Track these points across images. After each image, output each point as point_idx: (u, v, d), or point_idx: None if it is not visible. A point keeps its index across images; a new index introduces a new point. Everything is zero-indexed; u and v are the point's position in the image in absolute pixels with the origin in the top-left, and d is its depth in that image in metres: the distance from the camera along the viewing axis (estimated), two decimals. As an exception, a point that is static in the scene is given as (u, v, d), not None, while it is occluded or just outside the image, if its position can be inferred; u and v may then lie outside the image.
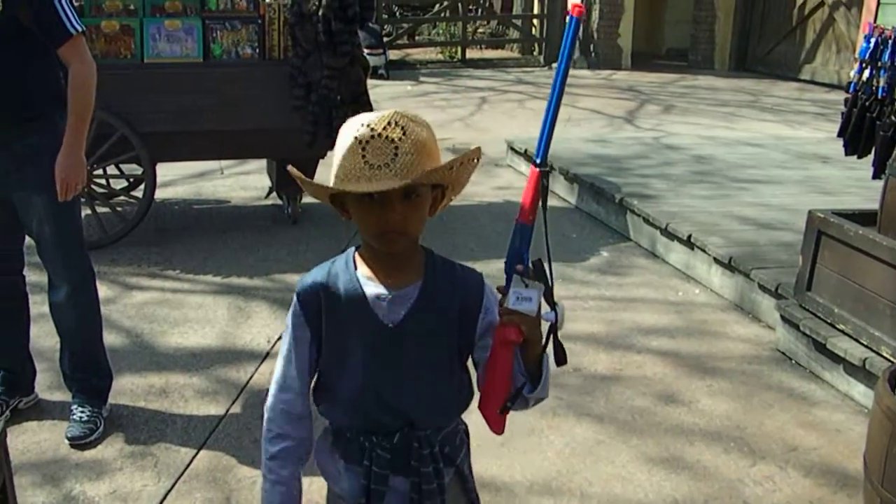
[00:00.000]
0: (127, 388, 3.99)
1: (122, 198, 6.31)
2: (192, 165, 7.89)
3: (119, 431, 3.65)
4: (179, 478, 3.34)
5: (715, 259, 5.43)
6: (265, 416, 1.91)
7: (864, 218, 4.27)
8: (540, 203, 1.74)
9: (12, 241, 3.61)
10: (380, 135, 1.62)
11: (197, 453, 3.50)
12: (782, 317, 4.58)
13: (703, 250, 5.54)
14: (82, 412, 3.62)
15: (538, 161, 1.75)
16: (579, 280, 5.56)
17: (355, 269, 1.82)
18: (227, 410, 3.83)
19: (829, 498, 3.34)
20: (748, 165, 8.16)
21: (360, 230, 1.75)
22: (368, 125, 1.64)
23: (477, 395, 1.86)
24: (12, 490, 2.44)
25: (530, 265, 1.71)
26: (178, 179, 7.70)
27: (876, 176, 4.25)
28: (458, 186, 1.81)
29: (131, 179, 6.51)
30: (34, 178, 3.34)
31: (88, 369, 3.69)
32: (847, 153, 4.62)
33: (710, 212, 6.29)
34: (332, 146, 5.82)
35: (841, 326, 4.20)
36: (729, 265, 5.28)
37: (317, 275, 1.84)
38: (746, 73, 16.28)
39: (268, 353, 4.37)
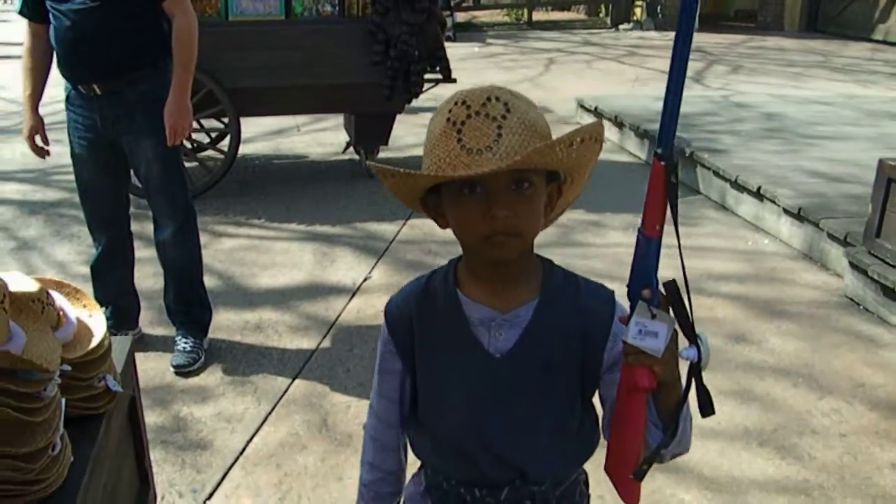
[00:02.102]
0: (224, 325, 4.25)
1: (209, 152, 6.58)
2: (270, 123, 8.18)
3: (219, 362, 3.92)
4: (278, 402, 3.59)
5: (784, 210, 5.53)
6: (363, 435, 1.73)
7: (934, 166, 4.36)
8: (669, 208, 1.30)
9: (120, 196, 3.86)
10: (478, 113, 1.29)
11: (293, 381, 3.75)
12: (851, 263, 4.69)
13: (773, 201, 5.64)
14: (186, 343, 3.88)
15: (661, 151, 1.28)
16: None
17: (455, 285, 1.51)
18: (319, 344, 4.08)
19: (894, 430, 3.47)
20: (818, 122, 8.18)
21: (461, 236, 1.42)
22: (464, 103, 1.31)
23: (603, 443, 1.53)
24: (140, 402, 2.69)
25: (661, 289, 1.32)
26: (256, 137, 7.97)
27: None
28: (579, 179, 1.43)
29: (213, 135, 6.78)
30: (144, 124, 3.58)
31: (191, 303, 3.95)
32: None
33: (779, 165, 6.37)
34: (409, 100, 6.06)
35: (909, 271, 4.30)
36: (798, 215, 5.38)
37: (409, 292, 1.57)
38: (817, 34, 16.11)
39: (354, 293, 4.61)
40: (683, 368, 1.33)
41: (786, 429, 3.45)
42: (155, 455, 3.04)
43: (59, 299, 2.18)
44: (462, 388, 1.50)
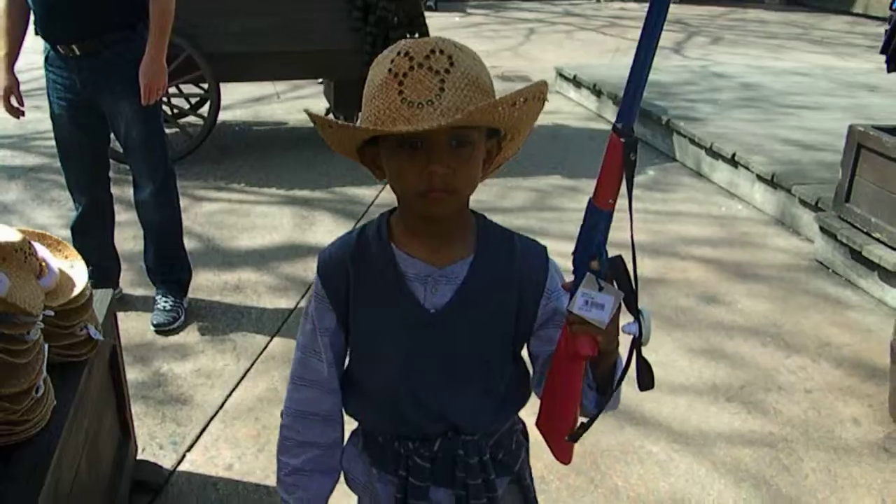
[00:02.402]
0: (203, 285, 4.30)
1: (189, 118, 6.60)
2: (250, 91, 8.18)
3: (199, 321, 3.97)
4: (257, 359, 3.65)
5: (758, 176, 5.62)
6: (282, 422, 1.62)
7: (902, 132, 4.45)
8: (626, 185, 1.27)
9: (100, 157, 3.89)
10: (420, 65, 1.25)
11: (271, 339, 3.81)
12: (821, 227, 4.78)
13: (747, 168, 5.72)
14: (166, 302, 3.93)
15: (621, 126, 1.25)
16: (625, 194, 5.77)
17: (389, 239, 1.47)
18: (297, 304, 4.14)
19: (857, 386, 3.57)
20: (794, 93, 8.27)
21: (397, 190, 1.39)
22: (406, 54, 1.27)
23: (534, 401, 1.56)
24: (121, 354, 2.75)
25: (607, 263, 1.30)
26: (236, 104, 7.98)
27: (916, 91, 4.40)
28: (519, 136, 1.43)
29: (193, 101, 6.79)
30: (122, 85, 3.61)
31: (171, 262, 4.00)
32: (889, 70, 4.77)
33: (754, 133, 6.45)
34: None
35: (877, 235, 4.39)
36: (771, 182, 5.47)
37: (343, 246, 1.51)
38: (798, 7, 16.20)
39: (332, 256, 4.65)
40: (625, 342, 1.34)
41: (753, 385, 3.54)
42: (136, 409, 3.10)
43: (42, 250, 2.24)
44: (396, 343, 1.48)
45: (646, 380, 1.34)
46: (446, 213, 1.38)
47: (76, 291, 2.26)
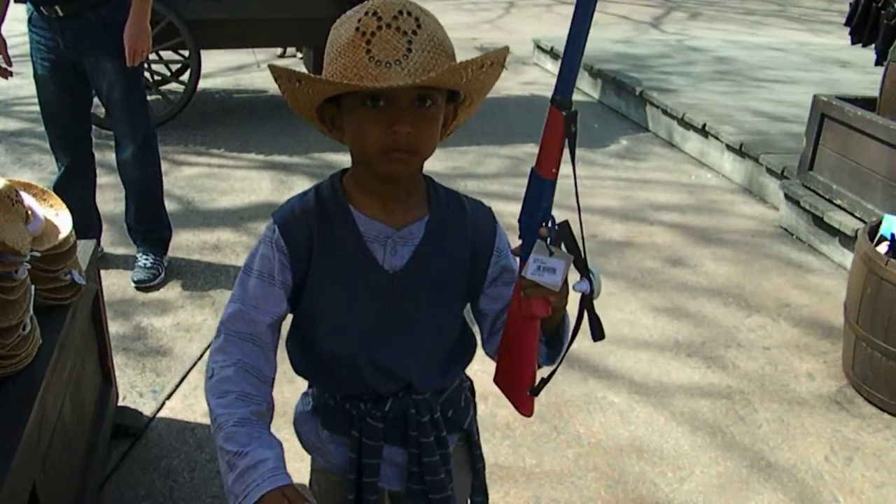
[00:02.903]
0: (183, 245, 4.40)
1: (171, 85, 6.67)
2: (230, 60, 8.23)
3: (179, 278, 4.07)
4: (235, 314, 3.75)
5: (727, 146, 5.76)
6: (208, 370, 1.45)
7: (864, 103, 4.58)
8: (569, 154, 1.32)
9: (82, 117, 3.96)
10: (388, 25, 1.27)
11: (249, 296, 3.91)
12: (785, 195, 4.92)
13: (717, 138, 5.86)
14: (146, 259, 4.03)
15: (560, 99, 1.29)
16: (599, 164, 5.92)
17: (346, 201, 1.46)
18: (275, 263, 4.23)
19: (814, 343, 3.72)
20: (768, 67, 8.41)
21: (357, 149, 1.38)
22: (375, 14, 1.28)
23: (481, 352, 1.61)
24: (103, 302, 2.86)
25: (555, 228, 1.35)
26: (217, 72, 8.04)
27: (878, 62, 4.53)
28: (478, 99, 1.45)
29: (174, 68, 6.86)
30: (105, 46, 3.69)
31: (152, 221, 4.10)
32: (853, 42, 4.90)
33: (725, 105, 6.59)
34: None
35: (838, 202, 4.53)
36: (740, 151, 5.61)
37: (304, 203, 1.47)
38: (775, -17, 16.28)
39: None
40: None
41: (714, 342, 3.68)
42: (117, 360, 3.20)
43: (28, 199, 2.34)
44: (354, 304, 1.46)
45: (598, 332, 1.40)
46: (405, 173, 1.39)
47: (61, 237, 2.36)
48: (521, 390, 1.50)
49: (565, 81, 1.27)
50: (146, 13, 3.69)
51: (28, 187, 2.49)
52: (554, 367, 1.49)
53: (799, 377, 3.46)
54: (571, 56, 1.26)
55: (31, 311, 2.11)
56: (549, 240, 1.34)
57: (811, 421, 3.18)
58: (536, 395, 1.49)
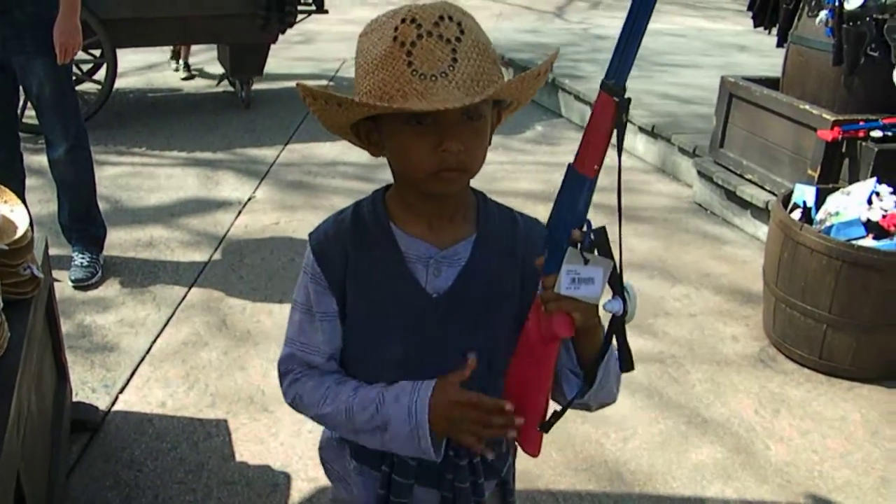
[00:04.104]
0: (116, 243, 4.39)
1: (86, 84, 6.59)
2: (141, 58, 8.16)
3: (116, 276, 4.08)
4: (177, 308, 3.79)
5: (640, 128, 5.99)
6: (295, 404, 1.46)
7: (769, 83, 4.83)
8: (616, 149, 1.18)
9: (12, 118, 3.94)
10: (430, 33, 1.15)
11: (189, 289, 3.96)
12: (698, 172, 5.16)
13: (629, 121, 6.06)
14: (83, 258, 4.03)
15: (613, 84, 1.12)
16: (517, 149, 6.10)
17: (388, 219, 1.36)
18: (211, 256, 4.28)
19: (735, 309, 3.94)
20: (670, 52, 8.71)
21: (403, 170, 1.29)
22: (413, 20, 1.16)
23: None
24: (54, 296, 2.88)
25: (591, 234, 1.19)
26: (128, 71, 7.94)
27: (780, 44, 4.78)
28: (521, 105, 1.36)
29: (85, 69, 6.78)
30: (34, 44, 3.68)
31: (86, 219, 4.09)
32: (755, 25, 5.15)
33: (634, 89, 6.66)
34: (283, 30, 6.20)
35: (749, 176, 4.78)
36: (652, 132, 5.85)
37: (338, 224, 1.39)
38: (670, -28, 16.72)
39: (241, 211, 4.81)
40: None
41: (643, 312, 3.87)
42: (64, 357, 3.23)
43: (-18, 196, 2.37)
44: (396, 328, 1.36)
45: (627, 361, 1.25)
46: (455, 191, 1.29)
47: (20, 232, 2.39)
48: (529, 425, 1.31)
49: (624, 63, 1.11)
50: (76, 10, 3.69)
51: (-19, 185, 2.52)
52: (571, 399, 1.32)
53: (725, 340, 3.68)
54: (632, 35, 1.11)
55: (1, 304, 2.15)
56: (582, 246, 1.18)
57: (739, 379, 3.39)
58: (547, 431, 1.33)
